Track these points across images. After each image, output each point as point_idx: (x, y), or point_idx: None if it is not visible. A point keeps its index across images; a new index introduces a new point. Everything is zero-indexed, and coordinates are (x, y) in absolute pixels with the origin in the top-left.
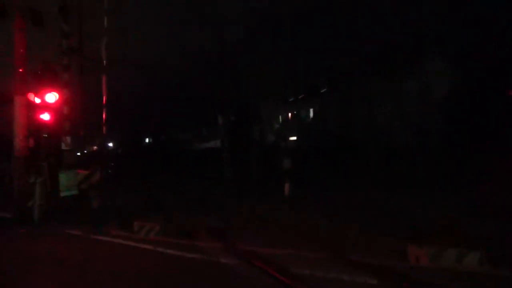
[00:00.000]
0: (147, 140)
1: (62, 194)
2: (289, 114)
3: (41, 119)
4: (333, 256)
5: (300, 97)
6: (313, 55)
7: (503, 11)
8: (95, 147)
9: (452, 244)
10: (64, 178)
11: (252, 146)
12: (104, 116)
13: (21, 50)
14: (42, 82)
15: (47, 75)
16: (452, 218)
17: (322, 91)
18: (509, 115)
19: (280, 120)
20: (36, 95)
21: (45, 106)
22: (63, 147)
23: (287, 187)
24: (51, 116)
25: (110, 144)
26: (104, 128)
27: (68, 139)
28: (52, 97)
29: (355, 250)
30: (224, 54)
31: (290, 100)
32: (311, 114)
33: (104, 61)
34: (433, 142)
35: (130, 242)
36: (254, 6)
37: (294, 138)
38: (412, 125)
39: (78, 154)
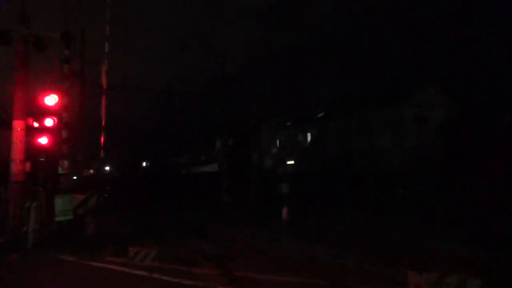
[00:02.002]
0: (144, 163)
1: (58, 219)
2: (287, 138)
3: (39, 143)
4: (332, 284)
5: (298, 121)
6: (312, 81)
7: (496, 44)
8: (91, 171)
9: (452, 271)
10: (60, 203)
11: (250, 170)
12: (102, 140)
13: (22, 75)
14: (41, 106)
15: (46, 99)
16: (451, 245)
17: (320, 115)
18: (504, 141)
19: (278, 144)
20: (35, 119)
21: (43, 130)
22: (60, 171)
23: (285, 211)
24: (49, 140)
25: (107, 168)
26: (102, 152)
27: (66, 163)
28: (50, 121)
29: (354, 277)
30: (224, 80)
31: (288, 124)
32: (309, 138)
33: (104, 86)
34: (430, 168)
35: (125, 268)
36: (256, 36)
37: (292, 162)
38: (410, 151)
39: (75, 178)
